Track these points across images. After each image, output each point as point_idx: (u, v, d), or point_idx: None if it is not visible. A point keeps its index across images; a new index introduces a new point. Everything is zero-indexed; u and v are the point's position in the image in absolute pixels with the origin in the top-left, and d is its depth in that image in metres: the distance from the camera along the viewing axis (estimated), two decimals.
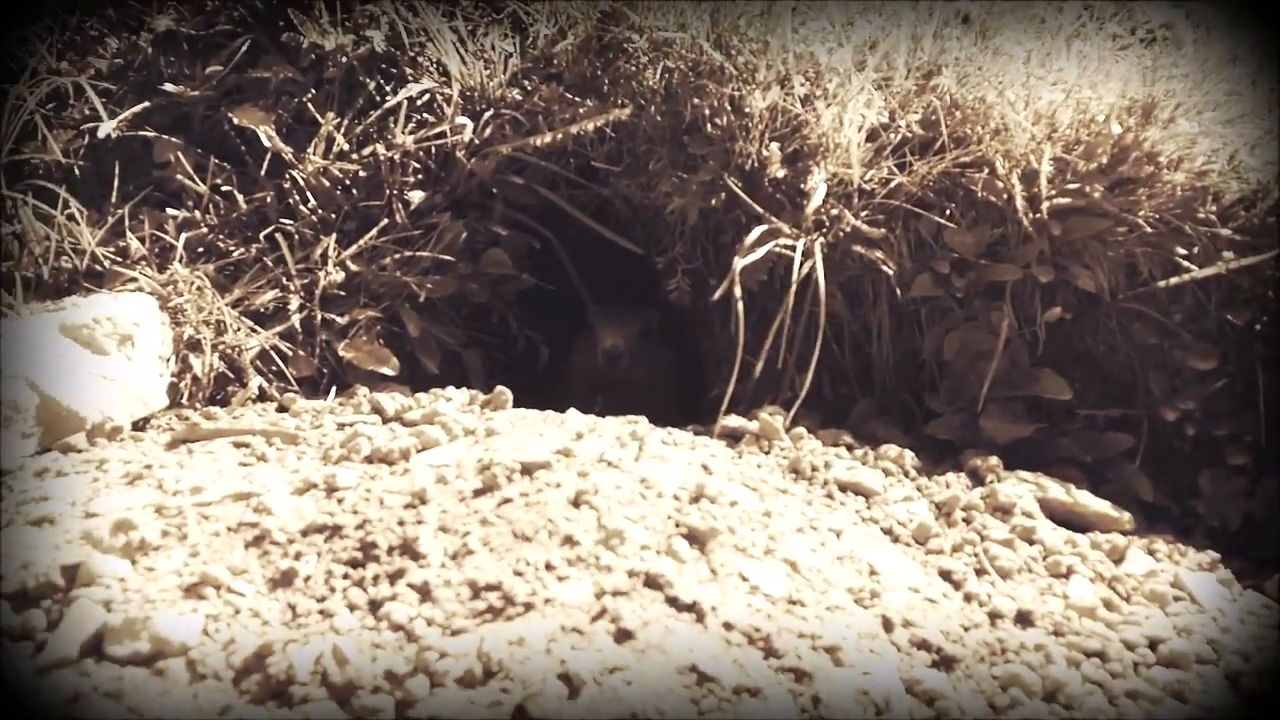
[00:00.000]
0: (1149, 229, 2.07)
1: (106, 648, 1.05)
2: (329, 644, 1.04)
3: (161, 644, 1.05)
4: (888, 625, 1.19)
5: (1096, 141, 2.17)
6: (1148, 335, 2.10)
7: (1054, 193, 2.12)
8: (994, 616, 1.29)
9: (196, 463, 1.50)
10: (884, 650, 1.15)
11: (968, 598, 1.32)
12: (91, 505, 1.34)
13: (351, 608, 1.13)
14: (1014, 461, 1.99)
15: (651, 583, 1.16)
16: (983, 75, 2.29)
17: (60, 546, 1.23)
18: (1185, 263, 2.06)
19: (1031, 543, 1.52)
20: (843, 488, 1.57)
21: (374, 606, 1.13)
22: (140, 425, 1.79)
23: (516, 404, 2.00)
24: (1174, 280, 2.04)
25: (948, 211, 2.16)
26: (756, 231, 2.00)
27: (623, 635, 1.08)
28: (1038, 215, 2.10)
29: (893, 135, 2.20)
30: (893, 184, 2.14)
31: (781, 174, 2.19)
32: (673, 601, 1.14)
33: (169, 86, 2.45)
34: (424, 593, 1.13)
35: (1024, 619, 1.29)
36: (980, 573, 1.40)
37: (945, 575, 1.37)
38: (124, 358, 1.78)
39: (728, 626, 1.12)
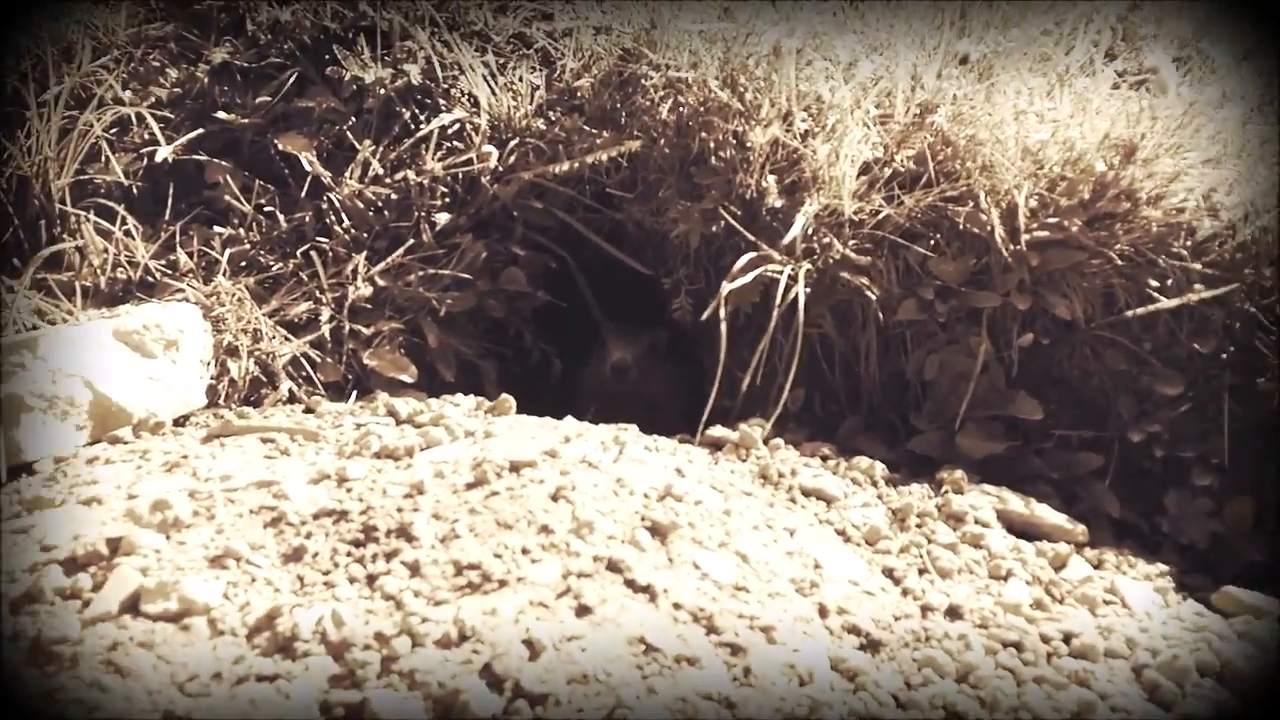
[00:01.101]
0: (1121, 262, 2.19)
1: (142, 606, 1.23)
2: (329, 609, 1.21)
3: (188, 604, 1.23)
4: (823, 612, 1.34)
5: (1078, 179, 2.29)
6: (1119, 361, 2.22)
7: (1035, 226, 2.25)
8: (926, 609, 1.42)
9: (227, 455, 1.70)
10: (816, 632, 1.29)
11: (905, 592, 1.46)
12: (134, 488, 1.54)
13: (351, 580, 1.30)
14: (991, 477, 2.11)
15: (613, 567, 1.32)
16: (976, 114, 2.43)
17: (107, 522, 1.42)
18: (1155, 294, 2.18)
19: (978, 548, 1.65)
20: (806, 493, 1.72)
21: (370, 580, 1.30)
22: (180, 422, 1.99)
23: (531, 413, 2.17)
24: (1141, 310, 2.16)
25: (933, 241, 2.30)
26: (746, 258, 2.15)
27: (583, 610, 1.24)
28: (1017, 247, 2.22)
29: (885, 170, 2.35)
30: (881, 215, 2.29)
31: (779, 204, 2.35)
32: (630, 584, 1.30)
33: (222, 114, 2.67)
34: (414, 569, 1.31)
35: (953, 612, 1.43)
36: (922, 572, 1.54)
37: (888, 572, 1.51)
38: (169, 361, 1.99)
39: (676, 606, 1.27)
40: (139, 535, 1.34)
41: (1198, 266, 2.19)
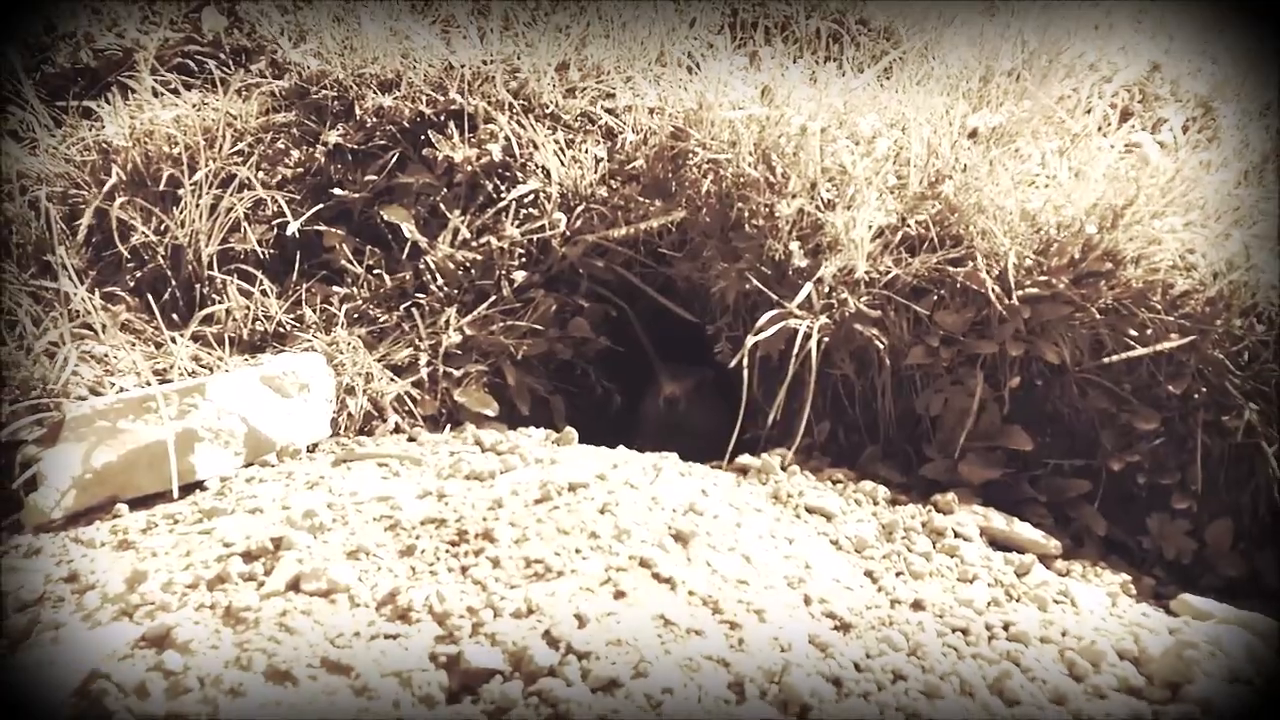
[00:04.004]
0: (1103, 315, 2.52)
1: (301, 585, 1.68)
2: (434, 589, 1.65)
3: (333, 584, 1.67)
4: (807, 601, 1.72)
5: (1068, 241, 2.63)
6: (1102, 400, 2.54)
7: (1027, 283, 2.59)
8: (894, 602, 1.78)
9: (353, 475, 2.16)
10: (799, 616, 1.67)
11: (879, 589, 1.83)
12: (286, 501, 2.00)
13: (449, 570, 1.73)
14: (992, 500, 2.46)
15: (644, 564, 1.72)
16: (980, 182, 2.79)
17: (268, 526, 1.89)
18: (1133, 343, 2.50)
19: (953, 556, 2.01)
20: (810, 510, 2.10)
21: (463, 570, 1.73)
22: (311, 449, 2.47)
23: (595, 440, 2.59)
24: (1117, 357, 2.48)
25: (938, 296, 2.66)
26: (769, 314, 2.55)
27: (619, 594, 1.65)
28: (1011, 301, 2.57)
29: (896, 234, 2.72)
30: (891, 275, 2.66)
31: (804, 264, 2.74)
32: (656, 576, 1.70)
33: (337, 190, 3.18)
34: (495, 562, 1.73)
35: (917, 605, 1.79)
36: (898, 574, 1.90)
37: (868, 574, 1.88)
38: (302, 400, 2.47)
39: (690, 593, 1.67)
40: (295, 535, 1.80)
41: (1173, 318, 2.51)
